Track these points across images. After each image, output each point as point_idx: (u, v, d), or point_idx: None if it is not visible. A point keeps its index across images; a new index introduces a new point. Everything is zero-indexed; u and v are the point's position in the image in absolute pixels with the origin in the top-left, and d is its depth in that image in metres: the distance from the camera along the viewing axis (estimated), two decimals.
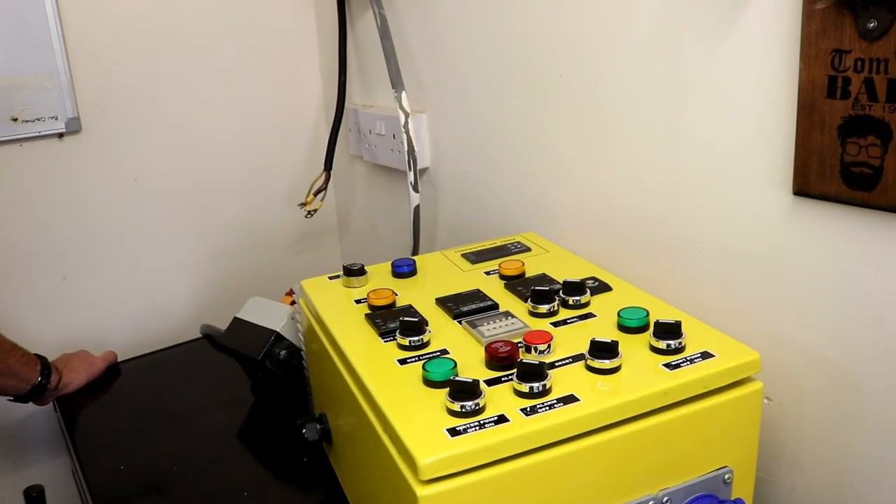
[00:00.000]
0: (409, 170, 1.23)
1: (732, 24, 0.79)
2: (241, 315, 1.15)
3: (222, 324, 1.18)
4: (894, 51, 0.65)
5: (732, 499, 0.72)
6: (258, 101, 1.55)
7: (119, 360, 1.34)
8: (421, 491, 0.59)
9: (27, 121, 1.33)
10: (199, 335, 1.39)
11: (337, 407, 0.86)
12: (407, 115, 1.23)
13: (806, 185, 0.75)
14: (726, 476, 0.71)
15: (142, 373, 1.33)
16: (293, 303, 1.12)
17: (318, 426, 0.91)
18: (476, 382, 0.64)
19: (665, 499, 0.69)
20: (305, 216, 1.44)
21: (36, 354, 1.20)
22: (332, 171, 1.45)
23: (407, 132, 1.22)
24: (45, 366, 1.20)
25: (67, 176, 1.40)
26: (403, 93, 1.23)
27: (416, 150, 1.24)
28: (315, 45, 1.59)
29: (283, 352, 1.06)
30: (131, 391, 1.28)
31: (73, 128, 1.37)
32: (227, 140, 1.53)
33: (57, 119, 1.35)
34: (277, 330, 1.08)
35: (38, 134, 1.34)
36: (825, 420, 0.81)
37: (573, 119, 1.02)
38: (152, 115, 1.45)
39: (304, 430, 0.91)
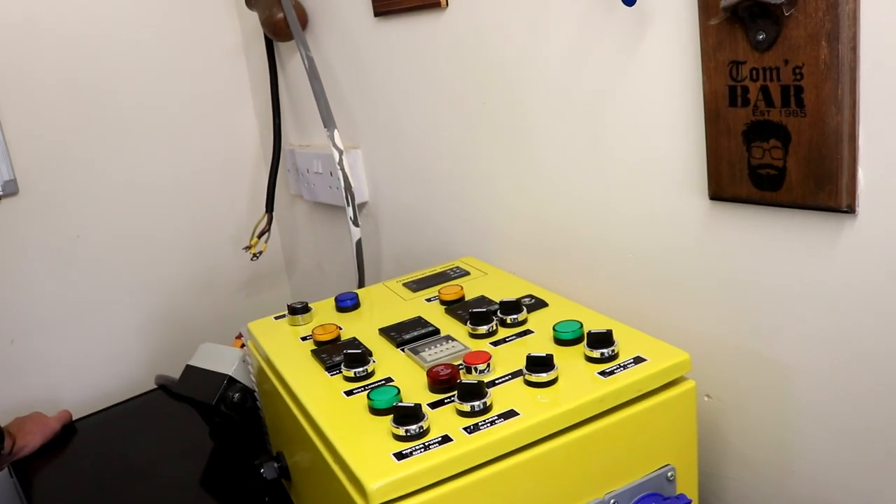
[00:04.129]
0: (348, 205, 1.26)
1: (640, 43, 0.83)
2: (192, 362, 1.15)
3: (177, 372, 1.18)
4: (783, 59, 0.69)
5: (676, 494, 0.75)
6: (196, 151, 1.56)
7: (74, 418, 1.33)
8: None
9: None
10: (154, 386, 1.39)
11: (292, 444, 0.87)
12: (341, 153, 1.25)
13: (720, 190, 0.79)
14: (669, 474, 0.74)
15: (98, 429, 1.32)
16: (243, 345, 1.13)
17: (275, 464, 0.92)
18: (418, 406, 0.66)
19: (612, 501, 0.71)
20: (251, 259, 1.45)
21: None
22: (273, 213, 1.47)
23: (342, 169, 1.25)
24: None
25: (7, 238, 1.39)
26: (336, 131, 1.26)
27: (352, 185, 1.26)
28: (248, 91, 1.61)
29: (236, 395, 1.07)
30: (89, 448, 1.26)
31: (11, 190, 1.37)
32: (168, 191, 1.54)
33: None
34: (229, 374, 1.09)
35: None
36: (763, 410, 0.84)
37: (500, 144, 1.05)
38: (91, 172, 1.45)
39: (262, 470, 0.92)
